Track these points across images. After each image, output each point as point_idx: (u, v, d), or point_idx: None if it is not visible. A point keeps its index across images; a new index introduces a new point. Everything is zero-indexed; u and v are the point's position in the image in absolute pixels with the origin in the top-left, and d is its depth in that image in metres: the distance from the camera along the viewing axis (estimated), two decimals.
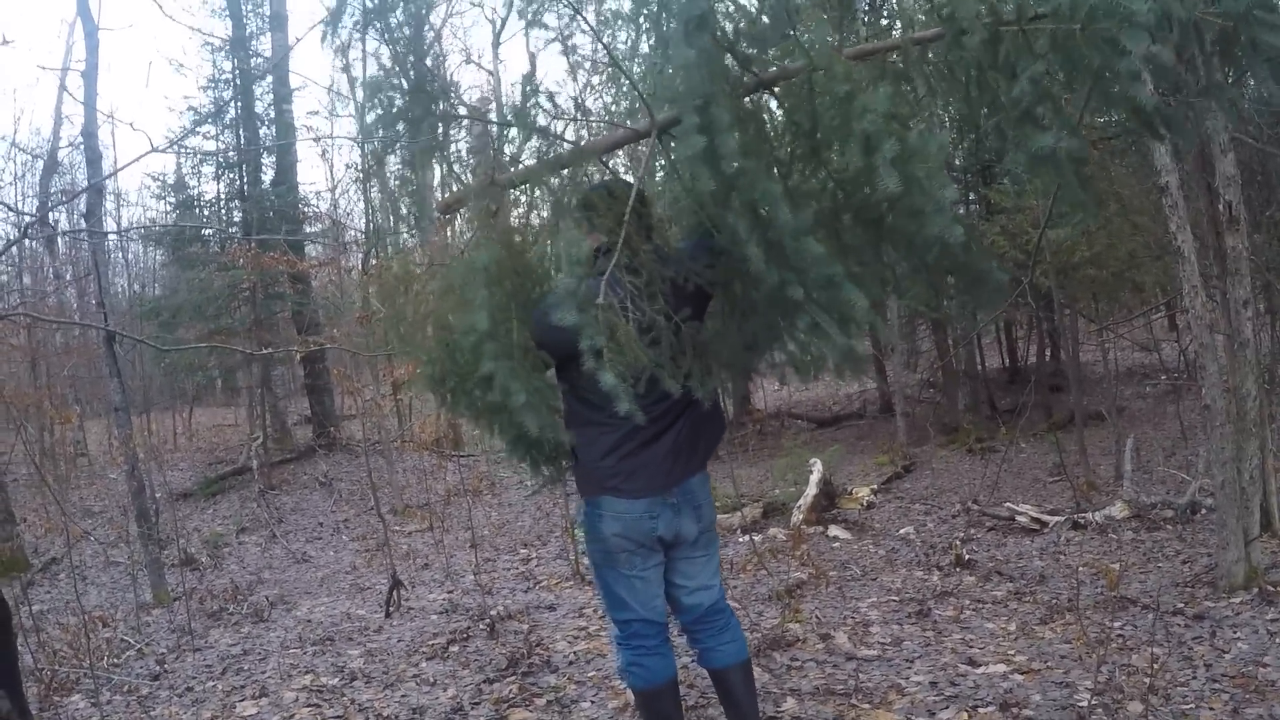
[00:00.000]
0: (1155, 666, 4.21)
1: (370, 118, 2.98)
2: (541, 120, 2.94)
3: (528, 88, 2.92)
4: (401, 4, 2.87)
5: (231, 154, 18.61)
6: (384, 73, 2.88)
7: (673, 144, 2.62)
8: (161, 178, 20.16)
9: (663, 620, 3.45)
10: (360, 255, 19.99)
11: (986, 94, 2.61)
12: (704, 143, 2.37)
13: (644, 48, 2.95)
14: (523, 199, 3.30)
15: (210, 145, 19.05)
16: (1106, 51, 2.36)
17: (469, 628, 5.84)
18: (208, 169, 19.11)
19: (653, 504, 3.20)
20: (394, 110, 2.90)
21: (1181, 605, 5.24)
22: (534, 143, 3.12)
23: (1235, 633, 4.70)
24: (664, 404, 3.06)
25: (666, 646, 3.46)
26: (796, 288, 2.45)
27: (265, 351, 13.20)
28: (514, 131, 3.09)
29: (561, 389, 3.17)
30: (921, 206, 2.44)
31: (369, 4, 2.88)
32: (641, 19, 2.77)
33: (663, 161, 2.97)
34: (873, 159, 2.38)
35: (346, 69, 18.33)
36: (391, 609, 6.65)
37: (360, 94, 16.76)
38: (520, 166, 3.07)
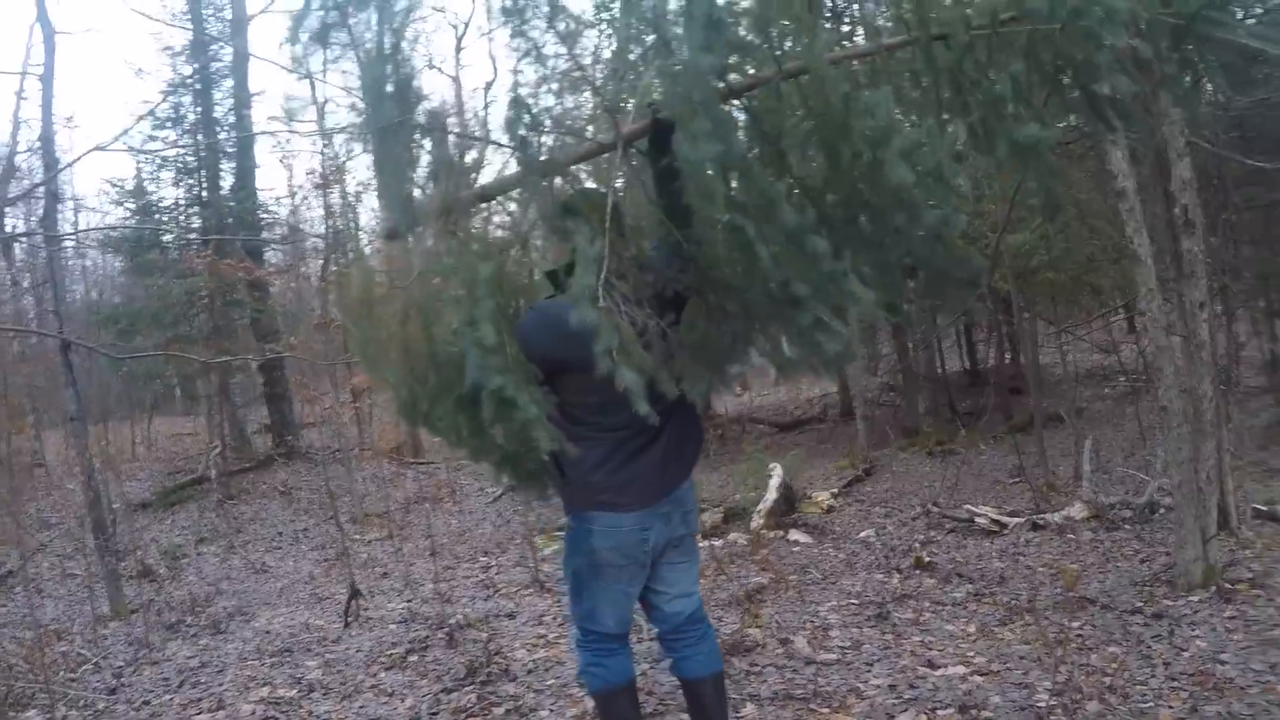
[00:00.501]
0: (1114, 666, 4.24)
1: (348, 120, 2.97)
2: (522, 132, 2.89)
3: (513, 100, 2.87)
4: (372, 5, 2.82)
5: (186, 154, 18.39)
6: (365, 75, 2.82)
7: (679, 146, 2.59)
8: (120, 183, 19.88)
9: (628, 630, 3.43)
10: (320, 262, 19.84)
11: (959, 96, 2.64)
12: (720, 148, 2.39)
13: (605, 54, 2.96)
14: (484, 213, 3.24)
15: (170, 150, 18.81)
16: (1087, 48, 2.45)
17: (428, 637, 5.78)
18: (166, 174, 18.89)
19: (645, 516, 3.17)
20: (371, 116, 2.85)
21: (1140, 604, 5.28)
22: (503, 156, 3.09)
23: (1194, 631, 4.73)
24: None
25: (626, 649, 3.45)
26: (800, 285, 2.45)
27: (220, 359, 13.05)
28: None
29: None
30: (917, 200, 2.47)
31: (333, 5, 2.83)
32: (636, 23, 2.78)
33: (622, 173, 2.94)
34: (880, 153, 2.40)
35: (309, 76, 18.18)
36: (350, 619, 6.58)
37: (320, 99, 16.68)
38: (483, 179, 3.04)
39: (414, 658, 5.40)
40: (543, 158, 2.81)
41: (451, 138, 2.97)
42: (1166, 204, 6.06)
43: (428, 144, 2.88)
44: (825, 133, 2.52)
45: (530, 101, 2.79)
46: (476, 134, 3.11)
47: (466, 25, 34.91)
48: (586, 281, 2.48)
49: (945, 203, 2.51)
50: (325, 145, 17.80)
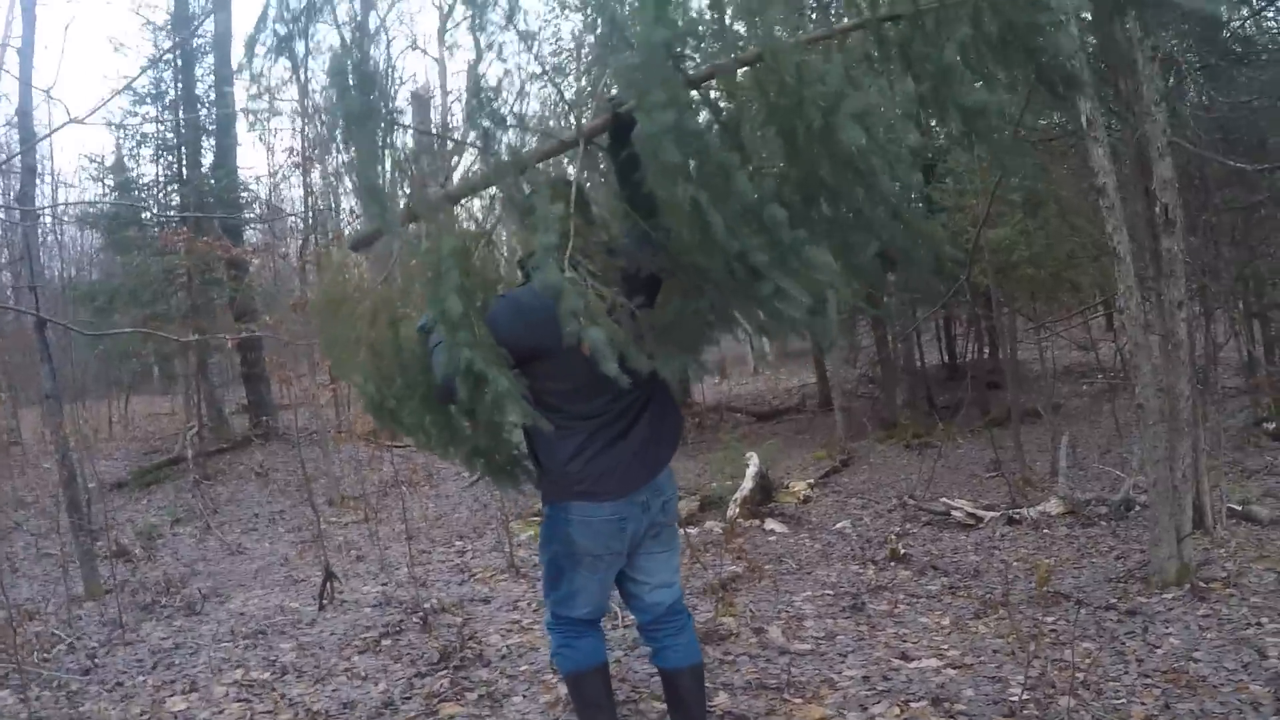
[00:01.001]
0: (1087, 661, 4.26)
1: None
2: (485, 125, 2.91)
3: (478, 98, 2.89)
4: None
5: (165, 131, 18.25)
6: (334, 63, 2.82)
7: (638, 120, 2.58)
8: (99, 159, 19.72)
9: (601, 616, 3.47)
10: (299, 242, 19.72)
11: (910, 69, 2.63)
12: (674, 117, 2.37)
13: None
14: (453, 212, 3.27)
15: (149, 127, 18.67)
16: (1030, 10, 2.46)
17: (402, 621, 5.77)
18: (146, 151, 18.75)
19: (622, 505, 3.14)
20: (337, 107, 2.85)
21: (1114, 601, 5.31)
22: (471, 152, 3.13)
23: (1167, 628, 4.77)
24: (624, 401, 3.05)
25: (598, 633, 3.46)
26: (759, 254, 2.44)
27: (195, 338, 12.97)
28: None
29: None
30: (874, 168, 2.47)
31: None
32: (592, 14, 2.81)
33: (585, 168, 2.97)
34: (832, 119, 2.39)
35: (291, 59, 18.01)
36: (325, 602, 6.56)
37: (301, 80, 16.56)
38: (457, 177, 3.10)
39: (388, 641, 5.39)
40: (505, 157, 2.82)
41: (414, 134, 3.04)
42: (1147, 202, 6.08)
43: (396, 136, 2.93)
44: (780, 112, 2.51)
45: (492, 97, 2.82)
46: (438, 132, 3.18)
47: (451, 5, 34.61)
48: (547, 241, 2.46)
49: (901, 170, 2.51)
50: (306, 124, 17.66)
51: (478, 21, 2.83)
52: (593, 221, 3.00)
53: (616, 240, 3.05)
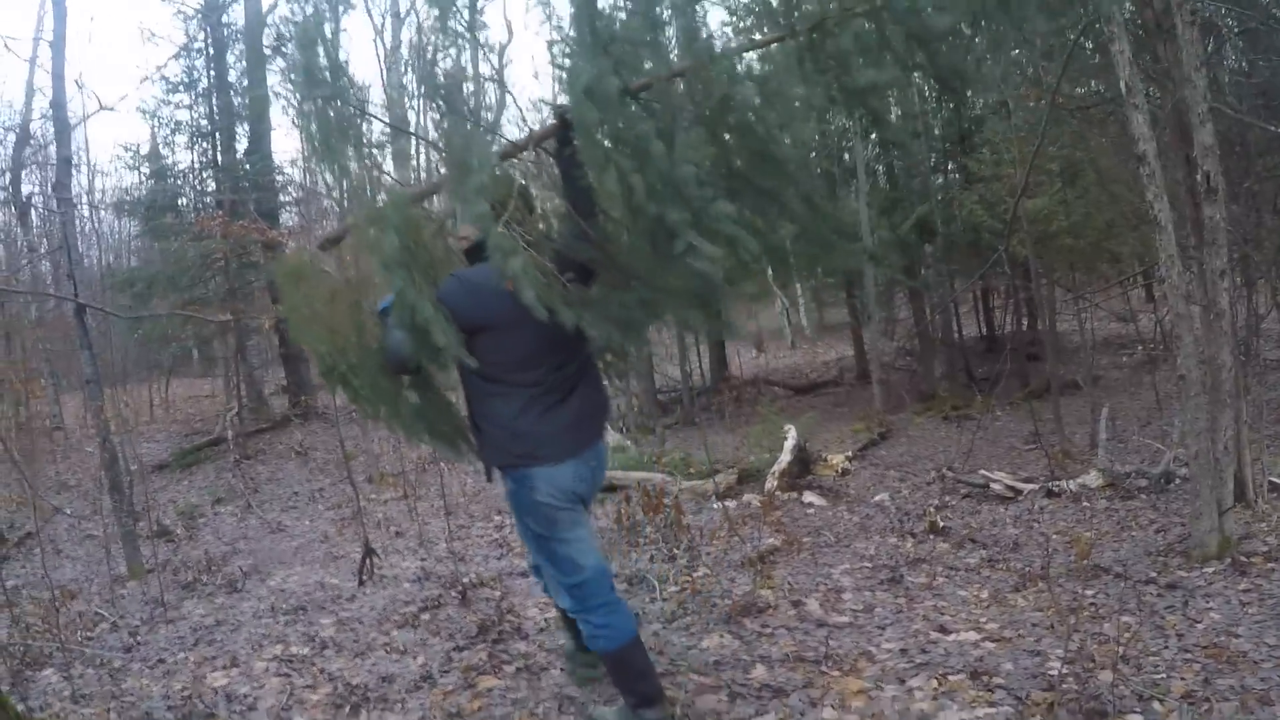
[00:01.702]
0: (1127, 636, 4.21)
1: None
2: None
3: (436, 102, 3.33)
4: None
5: (200, 118, 18.35)
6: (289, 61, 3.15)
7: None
8: (134, 148, 19.90)
9: (609, 569, 3.61)
10: (334, 222, 19.82)
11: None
12: (619, 84, 2.78)
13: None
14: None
15: (183, 114, 18.79)
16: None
17: (440, 595, 5.80)
18: (180, 138, 18.89)
19: (579, 465, 3.43)
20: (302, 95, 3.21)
21: (1154, 574, 5.26)
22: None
23: (1208, 603, 4.70)
24: (560, 373, 3.39)
25: (623, 601, 3.57)
26: (674, 210, 2.76)
27: (228, 318, 13.09)
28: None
29: (465, 372, 3.39)
30: (786, 155, 2.84)
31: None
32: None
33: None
34: (736, 78, 2.79)
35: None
36: (364, 577, 6.61)
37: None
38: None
39: (426, 616, 5.42)
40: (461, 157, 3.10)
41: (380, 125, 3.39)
42: (1188, 170, 5.99)
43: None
44: (707, 109, 2.88)
45: (450, 101, 3.21)
46: (404, 127, 3.56)
47: None
48: (480, 209, 2.89)
49: (808, 165, 3.00)
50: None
51: (441, 26, 3.17)
52: (534, 211, 3.39)
53: (556, 232, 3.47)
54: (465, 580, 5.92)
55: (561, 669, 4.25)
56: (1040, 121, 8.36)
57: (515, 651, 4.59)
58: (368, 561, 6.74)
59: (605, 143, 2.81)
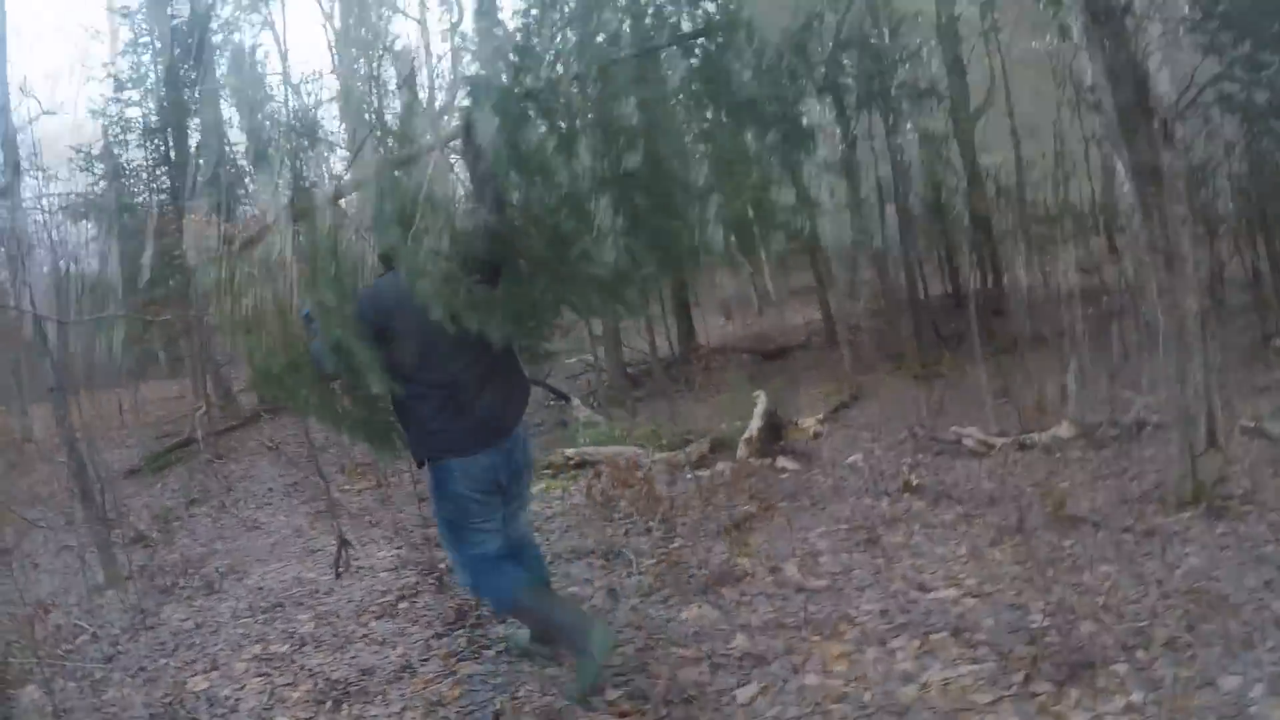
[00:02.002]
0: (1107, 585, 4.22)
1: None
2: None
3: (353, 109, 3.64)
4: None
5: (147, 114, 18.11)
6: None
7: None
8: (86, 149, 19.60)
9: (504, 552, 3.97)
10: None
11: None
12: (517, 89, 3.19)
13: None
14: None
15: (133, 111, 18.52)
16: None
17: (417, 583, 5.77)
18: (131, 136, 18.61)
19: (492, 455, 3.77)
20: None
21: (1131, 522, 5.27)
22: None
23: (1185, 548, 4.73)
24: (470, 372, 3.68)
25: (515, 564, 4.00)
26: (568, 221, 3.22)
27: (164, 317, 12.95)
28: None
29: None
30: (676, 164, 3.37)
31: None
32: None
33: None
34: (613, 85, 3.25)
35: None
36: (340, 570, 6.55)
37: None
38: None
39: (404, 604, 5.39)
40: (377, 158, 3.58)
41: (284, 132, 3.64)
42: (1146, 118, 5.97)
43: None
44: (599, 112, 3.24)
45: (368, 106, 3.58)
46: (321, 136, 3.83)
47: None
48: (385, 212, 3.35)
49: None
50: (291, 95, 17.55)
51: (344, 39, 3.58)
52: (436, 208, 3.61)
53: (461, 229, 3.69)
54: (441, 566, 5.88)
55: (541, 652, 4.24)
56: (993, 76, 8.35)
57: (494, 635, 4.56)
58: (343, 553, 6.67)
59: (503, 151, 3.14)
